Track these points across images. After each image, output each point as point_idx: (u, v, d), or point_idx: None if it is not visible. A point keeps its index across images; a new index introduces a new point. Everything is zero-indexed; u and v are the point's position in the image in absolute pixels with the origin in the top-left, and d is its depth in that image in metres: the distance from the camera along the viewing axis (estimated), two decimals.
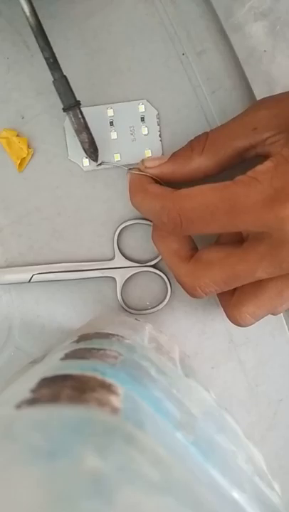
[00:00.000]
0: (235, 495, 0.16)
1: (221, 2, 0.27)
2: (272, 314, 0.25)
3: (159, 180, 0.26)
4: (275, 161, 0.20)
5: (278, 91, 0.27)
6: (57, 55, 0.25)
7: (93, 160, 0.28)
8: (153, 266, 0.30)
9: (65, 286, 0.30)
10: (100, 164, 0.28)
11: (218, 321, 0.30)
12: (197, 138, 0.24)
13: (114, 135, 0.29)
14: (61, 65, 0.25)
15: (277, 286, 0.23)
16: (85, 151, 0.27)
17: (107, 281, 0.30)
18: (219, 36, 0.28)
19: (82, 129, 0.26)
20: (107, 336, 0.23)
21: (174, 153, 0.25)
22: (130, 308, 0.30)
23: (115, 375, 0.17)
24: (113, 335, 0.24)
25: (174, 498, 0.12)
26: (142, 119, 0.29)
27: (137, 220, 0.29)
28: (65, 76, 0.25)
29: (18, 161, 0.29)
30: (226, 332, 0.30)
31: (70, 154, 0.29)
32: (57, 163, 0.29)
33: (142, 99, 0.29)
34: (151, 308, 0.30)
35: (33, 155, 0.29)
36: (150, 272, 0.30)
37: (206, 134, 0.24)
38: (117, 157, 0.29)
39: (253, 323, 0.24)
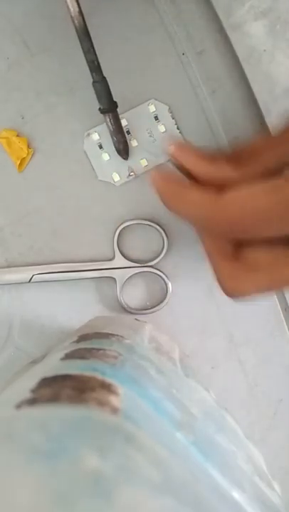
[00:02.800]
0: (235, 495, 0.16)
1: (220, 2, 0.27)
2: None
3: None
4: None
5: (278, 91, 0.27)
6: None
7: (124, 158, 0.29)
8: (153, 266, 0.30)
9: (65, 286, 0.30)
10: (130, 175, 0.29)
11: (218, 321, 0.30)
12: (234, 152, 0.22)
13: (134, 142, 0.29)
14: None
15: None
16: (119, 151, 0.28)
17: (107, 282, 0.30)
18: (219, 36, 0.28)
19: (119, 130, 0.27)
20: (107, 336, 0.23)
21: (209, 154, 0.22)
22: (130, 308, 0.30)
23: (115, 375, 0.17)
24: (113, 335, 0.24)
25: (174, 498, 0.12)
26: (156, 118, 0.29)
27: (137, 220, 0.29)
28: (105, 78, 0.25)
29: (18, 161, 0.29)
30: (226, 332, 0.30)
31: (98, 175, 0.29)
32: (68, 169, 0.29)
33: (149, 99, 0.29)
34: (151, 308, 0.30)
35: (33, 155, 0.29)
36: (150, 272, 0.30)
37: (233, 151, 0.22)
38: (143, 162, 0.29)
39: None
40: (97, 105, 0.29)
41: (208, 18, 0.28)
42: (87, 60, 0.24)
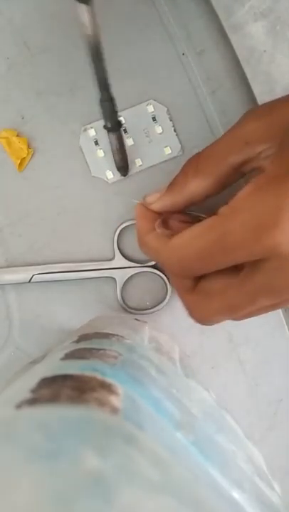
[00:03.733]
0: (235, 495, 0.16)
1: (220, 2, 0.27)
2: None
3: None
4: (255, 184, 0.19)
5: (278, 91, 0.27)
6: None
7: (123, 175, 0.29)
8: (153, 266, 0.30)
9: (65, 286, 0.30)
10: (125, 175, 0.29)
11: None
12: (189, 161, 0.24)
13: (130, 141, 0.29)
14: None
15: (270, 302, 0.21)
16: (119, 169, 0.29)
17: (107, 282, 0.30)
18: (219, 36, 0.29)
19: (121, 149, 0.27)
20: (107, 335, 0.23)
21: (170, 183, 0.24)
22: (130, 308, 0.30)
23: (115, 375, 0.17)
24: (113, 335, 0.24)
25: (174, 498, 0.12)
26: (154, 118, 0.29)
27: None
28: (113, 98, 0.25)
29: (18, 161, 0.29)
30: (225, 332, 0.30)
31: (92, 171, 0.29)
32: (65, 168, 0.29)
33: (148, 99, 0.29)
34: (151, 308, 0.30)
35: (33, 155, 0.29)
36: (150, 272, 0.30)
37: (197, 155, 0.24)
38: (138, 162, 0.29)
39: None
40: (96, 104, 0.29)
41: (208, 18, 0.28)
42: (97, 78, 0.24)
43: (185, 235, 0.21)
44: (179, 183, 0.24)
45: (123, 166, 0.28)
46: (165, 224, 0.24)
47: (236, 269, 0.21)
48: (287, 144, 0.19)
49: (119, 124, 0.26)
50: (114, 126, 0.26)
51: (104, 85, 0.24)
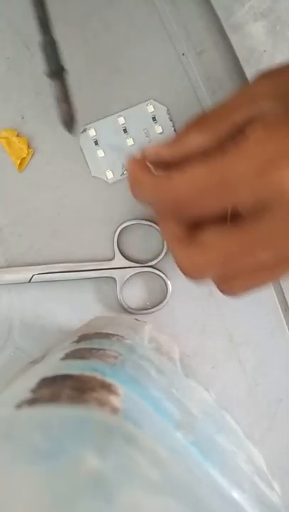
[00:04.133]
0: (235, 495, 0.16)
1: (220, 2, 0.27)
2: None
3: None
4: (266, 124, 0.18)
5: None
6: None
7: (69, 131, 0.27)
8: (153, 266, 0.30)
9: (65, 286, 0.30)
10: (124, 174, 0.29)
11: (218, 321, 0.30)
12: (194, 117, 0.23)
13: (130, 141, 0.29)
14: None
15: (272, 262, 0.20)
16: (65, 124, 0.26)
17: (107, 281, 0.30)
18: (219, 36, 0.28)
19: (65, 98, 0.25)
20: (107, 335, 0.23)
21: (180, 130, 0.23)
22: (130, 308, 0.30)
23: (115, 375, 0.17)
24: (113, 335, 0.24)
25: (174, 498, 0.12)
26: (154, 118, 0.29)
27: (137, 220, 0.29)
28: (54, 39, 0.23)
29: (18, 161, 0.29)
30: (226, 332, 0.30)
31: (92, 171, 0.29)
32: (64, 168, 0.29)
33: (148, 99, 0.29)
34: (151, 308, 0.30)
35: (33, 155, 0.29)
36: (150, 272, 0.30)
37: (203, 113, 0.23)
38: None
39: (241, 295, 0.23)
40: (96, 104, 0.29)
41: (208, 18, 0.28)
42: (38, 19, 0.23)
43: (186, 169, 0.20)
44: (181, 135, 0.23)
45: (69, 120, 0.26)
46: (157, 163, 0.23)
47: (235, 222, 0.20)
48: None
49: (61, 68, 0.24)
50: (57, 72, 0.24)
51: (44, 27, 0.23)
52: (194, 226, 0.23)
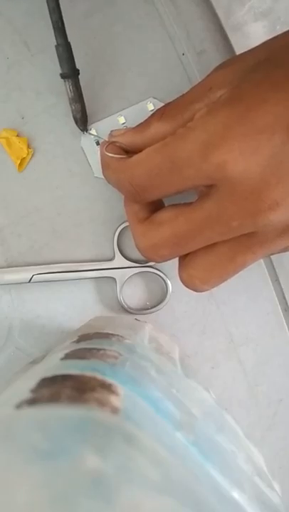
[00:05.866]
0: (235, 495, 0.16)
1: (220, 2, 0.27)
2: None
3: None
4: (210, 107, 0.19)
5: None
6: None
7: (81, 130, 0.28)
8: (153, 266, 0.30)
9: (65, 286, 0.30)
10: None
11: (218, 321, 0.30)
12: (158, 108, 0.24)
13: None
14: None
15: (229, 250, 0.21)
16: (76, 121, 0.27)
17: (107, 281, 0.30)
18: (219, 36, 0.29)
19: (78, 98, 0.26)
20: (107, 335, 0.23)
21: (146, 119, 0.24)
22: (130, 308, 0.30)
23: (115, 375, 0.17)
24: (113, 335, 0.24)
25: (174, 498, 0.12)
26: None
27: None
28: (69, 43, 0.25)
29: (18, 161, 0.29)
30: (226, 332, 0.30)
31: (95, 172, 0.29)
32: (64, 166, 0.29)
33: (148, 98, 0.29)
34: (151, 308, 0.30)
35: (33, 155, 0.29)
36: (150, 272, 0.30)
37: (166, 103, 0.24)
38: None
39: (207, 290, 0.23)
40: (96, 104, 0.29)
41: (208, 18, 0.28)
42: (52, 20, 0.24)
43: (141, 153, 0.21)
44: (143, 123, 0.24)
45: (81, 118, 0.27)
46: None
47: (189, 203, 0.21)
48: (245, 76, 0.20)
49: (75, 70, 0.25)
50: (71, 73, 0.25)
51: (59, 29, 0.24)
52: (156, 208, 0.24)
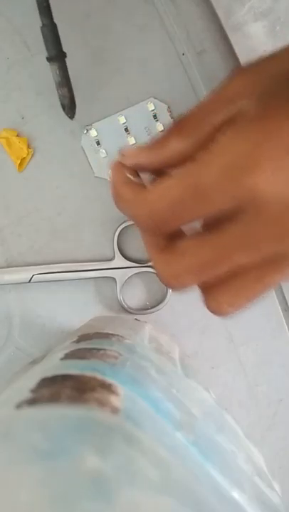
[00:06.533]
0: (235, 495, 0.16)
1: (220, 2, 0.27)
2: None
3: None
4: (235, 126, 0.18)
5: None
6: None
7: (70, 117, 0.27)
8: (153, 266, 0.30)
9: (65, 286, 0.30)
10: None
11: (218, 321, 0.30)
12: (173, 122, 0.23)
13: (132, 140, 0.29)
14: None
15: (257, 272, 0.20)
16: (64, 107, 0.26)
17: (107, 282, 0.30)
18: (219, 36, 0.29)
19: (65, 82, 0.25)
20: (107, 335, 0.23)
21: (150, 141, 0.23)
22: (130, 308, 0.30)
23: (115, 375, 0.17)
24: (113, 335, 0.24)
25: (174, 498, 0.12)
26: (155, 116, 0.29)
27: None
28: (55, 24, 0.23)
29: (18, 161, 0.29)
30: (225, 332, 0.30)
31: (95, 172, 0.29)
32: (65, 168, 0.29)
33: (148, 97, 0.29)
34: (151, 308, 0.30)
35: (33, 155, 0.29)
36: (150, 272, 0.30)
37: (181, 116, 0.22)
38: None
39: (233, 313, 0.22)
40: (96, 104, 0.29)
41: (208, 18, 0.28)
42: (37, 2, 0.23)
43: (159, 183, 0.20)
44: (160, 140, 0.22)
45: (69, 103, 0.26)
46: (137, 173, 0.23)
47: (211, 228, 0.20)
48: (270, 90, 0.19)
49: (62, 52, 0.24)
50: (57, 56, 0.24)
51: (44, 9, 0.23)
52: (175, 235, 0.23)
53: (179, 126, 0.22)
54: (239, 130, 0.18)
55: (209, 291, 0.22)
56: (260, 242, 0.18)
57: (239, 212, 0.18)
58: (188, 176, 0.18)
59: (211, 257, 0.20)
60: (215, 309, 0.22)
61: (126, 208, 0.22)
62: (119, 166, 0.23)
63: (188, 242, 0.21)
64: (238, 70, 0.22)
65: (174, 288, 0.22)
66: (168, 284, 0.22)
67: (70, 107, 0.26)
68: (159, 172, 0.23)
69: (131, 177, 0.23)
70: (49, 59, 0.24)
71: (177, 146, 0.22)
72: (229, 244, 0.19)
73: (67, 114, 0.26)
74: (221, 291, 0.21)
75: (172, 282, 0.22)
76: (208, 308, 0.22)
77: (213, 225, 0.20)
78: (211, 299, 0.22)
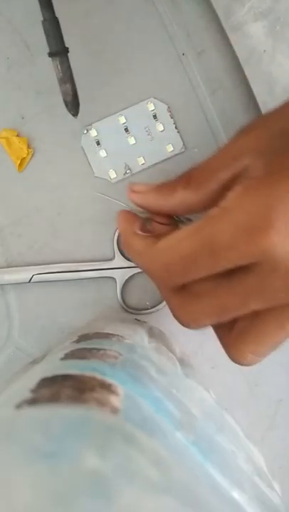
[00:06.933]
0: (235, 495, 0.16)
1: (220, 2, 0.27)
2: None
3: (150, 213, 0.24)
4: (246, 185, 0.18)
5: (278, 91, 0.27)
6: None
7: (73, 114, 0.26)
8: None
9: (65, 286, 0.30)
10: (127, 173, 0.29)
11: None
12: (183, 173, 0.23)
13: (132, 140, 0.29)
14: None
15: (277, 319, 0.20)
16: (67, 104, 0.25)
17: (107, 282, 0.30)
18: (219, 36, 0.29)
19: (68, 79, 0.24)
20: (107, 335, 0.23)
21: (162, 183, 0.23)
22: (130, 308, 0.30)
23: (115, 375, 0.17)
24: (113, 335, 0.24)
25: (174, 498, 0.12)
26: (154, 116, 0.29)
27: None
28: (56, 18, 0.23)
29: (18, 161, 0.29)
30: None
31: (95, 172, 0.29)
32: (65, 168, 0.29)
33: (148, 97, 0.29)
34: (151, 308, 0.30)
35: (33, 155, 0.29)
36: None
37: (191, 169, 0.23)
38: (140, 160, 0.29)
39: (259, 361, 0.22)
40: (96, 104, 0.29)
41: (208, 18, 0.28)
42: None
43: (171, 237, 0.20)
44: (168, 187, 0.23)
45: (72, 100, 0.25)
46: (145, 226, 0.23)
47: (226, 274, 0.20)
48: (277, 147, 0.19)
49: (64, 47, 0.23)
50: (60, 51, 0.23)
51: (45, 3, 0.22)
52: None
53: (188, 177, 0.22)
54: (250, 189, 0.18)
55: (232, 342, 0.22)
56: (277, 291, 0.19)
57: (254, 265, 0.18)
58: (201, 232, 0.19)
59: (228, 303, 0.20)
60: (239, 359, 0.22)
61: (137, 259, 0.22)
62: (128, 216, 0.24)
63: (203, 286, 0.20)
64: (241, 128, 0.22)
65: (190, 328, 0.22)
66: (185, 326, 0.22)
67: (73, 104, 0.25)
68: (165, 216, 0.24)
69: (139, 232, 0.23)
70: (51, 54, 0.24)
71: (185, 197, 0.22)
72: (244, 292, 0.19)
73: (70, 111, 0.25)
74: (243, 340, 0.21)
75: (189, 325, 0.22)
76: (233, 358, 0.22)
77: (228, 271, 0.20)
78: (235, 350, 0.22)
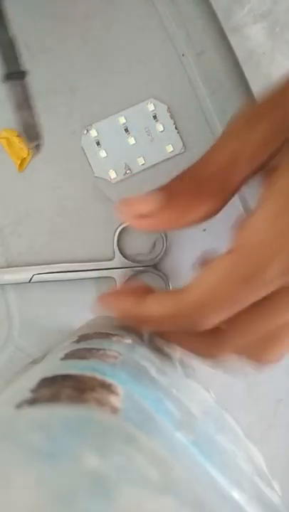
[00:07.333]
0: (235, 495, 0.16)
1: (220, 4, 0.27)
2: None
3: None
4: (277, 183, 0.16)
5: None
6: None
7: (33, 142, 0.23)
8: (153, 266, 0.30)
9: (65, 286, 0.30)
10: (127, 173, 0.29)
11: None
12: (210, 174, 0.19)
13: (132, 140, 0.29)
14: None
15: None
16: (26, 132, 0.22)
17: (107, 282, 0.30)
18: (219, 37, 0.29)
19: (23, 105, 0.22)
20: (107, 335, 0.23)
21: (171, 192, 0.19)
22: None
23: (115, 375, 0.17)
24: (113, 335, 0.24)
25: (174, 498, 0.12)
26: (154, 117, 0.29)
27: None
28: (13, 37, 0.21)
29: (18, 161, 0.29)
30: None
31: (95, 172, 0.29)
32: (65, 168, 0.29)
33: (148, 98, 0.29)
34: None
35: (33, 155, 0.29)
36: (150, 272, 0.30)
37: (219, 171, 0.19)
38: (140, 161, 0.29)
39: (278, 361, 0.21)
40: (96, 104, 0.29)
41: (208, 19, 0.28)
42: None
43: (196, 277, 0.18)
44: (189, 199, 0.19)
45: (31, 128, 0.22)
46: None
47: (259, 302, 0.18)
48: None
49: (21, 71, 0.21)
50: (16, 74, 0.21)
51: (1, 24, 0.20)
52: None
53: (214, 183, 0.19)
54: (281, 187, 0.16)
55: (256, 355, 0.21)
56: None
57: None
58: (233, 257, 0.17)
59: (272, 327, 0.19)
60: (262, 363, 0.21)
61: (157, 318, 0.20)
62: (120, 288, 0.23)
63: (237, 318, 0.18)
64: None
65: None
66: (213, 360, 0.22)
67: (29, 135, 0.22)
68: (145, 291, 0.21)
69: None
70: (6, 77, 0.21)
71: (211, 206, 0.19)
72: (281, 311, 0.18)
73: (27, 138, 0.23)
74: (266, 351, 0.20)
75: (217, 356, 0.22)
76: (263, 362, 0.21)
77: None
78: (255, 354, 0.21)
